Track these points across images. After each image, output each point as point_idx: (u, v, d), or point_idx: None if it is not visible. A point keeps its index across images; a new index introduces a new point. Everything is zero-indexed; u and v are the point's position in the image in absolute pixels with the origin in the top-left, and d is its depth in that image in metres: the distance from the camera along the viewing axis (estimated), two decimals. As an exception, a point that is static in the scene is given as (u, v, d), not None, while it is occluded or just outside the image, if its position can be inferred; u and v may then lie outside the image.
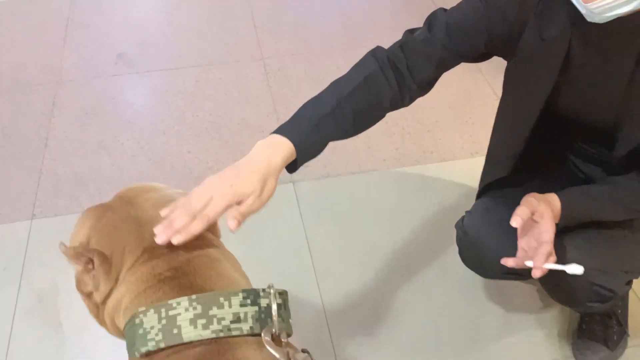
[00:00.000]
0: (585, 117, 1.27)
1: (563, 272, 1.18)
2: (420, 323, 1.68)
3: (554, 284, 1.39)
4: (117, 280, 0.91)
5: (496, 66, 2.00)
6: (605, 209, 1.28)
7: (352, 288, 1.76)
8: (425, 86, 1.29)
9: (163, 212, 0.96)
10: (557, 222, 1.22)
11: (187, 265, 0.90)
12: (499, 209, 1.40)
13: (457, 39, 1.23)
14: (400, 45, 1.26)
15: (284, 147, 1.10)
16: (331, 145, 1.20)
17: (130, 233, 0.93)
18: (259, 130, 2.27)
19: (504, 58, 1.31)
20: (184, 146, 2.21)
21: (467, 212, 1.52)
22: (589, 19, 1.06)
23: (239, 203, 1.02)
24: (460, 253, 1.55)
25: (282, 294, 0.93)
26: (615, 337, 1.57)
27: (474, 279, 1.75)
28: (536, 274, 1.17)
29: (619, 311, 1.59)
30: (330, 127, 1.17)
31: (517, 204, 1.21)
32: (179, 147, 2.21)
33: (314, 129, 1.14)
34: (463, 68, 2.47)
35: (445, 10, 1.28)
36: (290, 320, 0.94)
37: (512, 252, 1.39)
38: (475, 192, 1.59)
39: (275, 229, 1.91)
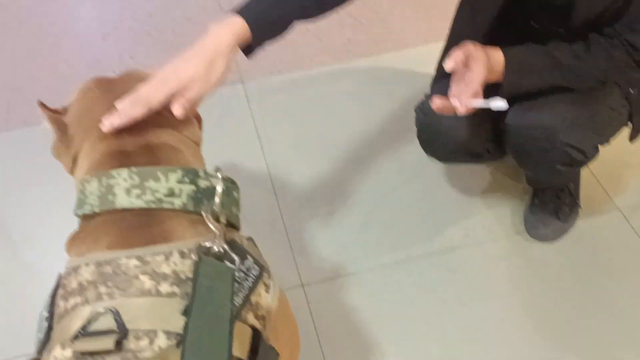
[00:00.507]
0: None
1: (538, 130, 1.19)
2: (377, 208, 1.67)
3: (528, 148, 1.37)
4: (76, 154, 0.96)
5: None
6: (555, 65, 1.24)
7: (307, 183, 1.74)
8: None
9: (117, 104, 0.95)
10: (501, 77, 1.21)
11: (141, 147, 0.93)
12: None
13: None
14: None
15: (236, 26, 1.03)
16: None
17: (100, 114, 0.95)
18: (205, 29, 2.17)
19: None
20: (126, 51, 2.11)
21: (425, 94, 1.49)
22: None
23: (186, 88, 0.98)
24: (419, 136, 1.52)
25: (230, 182, 0.92)
26: (567, 209, 1.59)
27: (431, 166, 1.74)
28: (461, 110, 1.16)
29: (572, 185, 1.60)
30: (289, 4, 1.10)
31: None
32: (120, 53, 2.11)
33: (271, 6, 1.07)
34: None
35: None
36: (239, 215, 0.93)
37: (467, 132, 1.39)
38: (431, 78, 1.55)
39: (227, 130, 1.86)
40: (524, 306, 1.48)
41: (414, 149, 1.53)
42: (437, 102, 1.18)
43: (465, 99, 1.15)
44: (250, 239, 0.92)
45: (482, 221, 1.65)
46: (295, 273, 1.56)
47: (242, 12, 1.05)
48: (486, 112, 1.24)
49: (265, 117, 1.90)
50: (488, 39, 1.27)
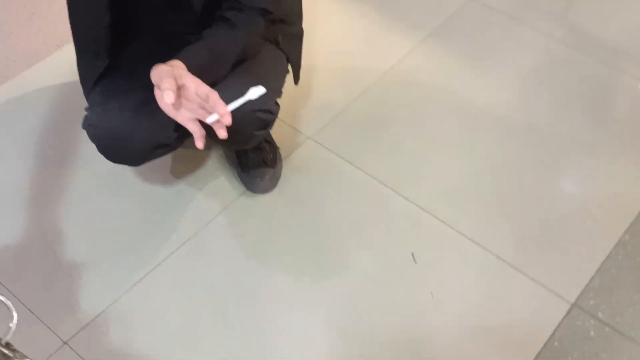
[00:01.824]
0: None
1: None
2: (101, 236, 1.61)
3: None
4: None
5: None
6: (219, 56, 1.33)
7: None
8: None
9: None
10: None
11: None
12: (118, 93, 1.40)
13: None
14: None
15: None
16: None
17: None
18: None
19: None
20: None
21: (87, 108, 1.44)
22: None
23: None
24: (100, 150, 1.46)
25: None
26: (272, 156, 1.71)
27: (124, 172, 1.73)
28: (227, 120, 1.13)
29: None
30: None
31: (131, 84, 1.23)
32: None
33: None
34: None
35: None
36: None
37: (149, 125, 1.39)
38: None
39: None
40: (277, 259, 1.59)
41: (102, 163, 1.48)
42: (197, 135, 1.18)
43: (222, 109, 1.12)
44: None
45: (205, 199, 1.70)
46: (52, 334, 1.44)
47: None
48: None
49: None
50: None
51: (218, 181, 1.73)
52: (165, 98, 1.10)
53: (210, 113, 1.16)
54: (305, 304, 1.50)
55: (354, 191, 1.71)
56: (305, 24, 1.60)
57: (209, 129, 1.21)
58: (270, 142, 1.74)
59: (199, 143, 1.19)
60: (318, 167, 1.76)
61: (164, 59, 1.21)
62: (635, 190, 1.70)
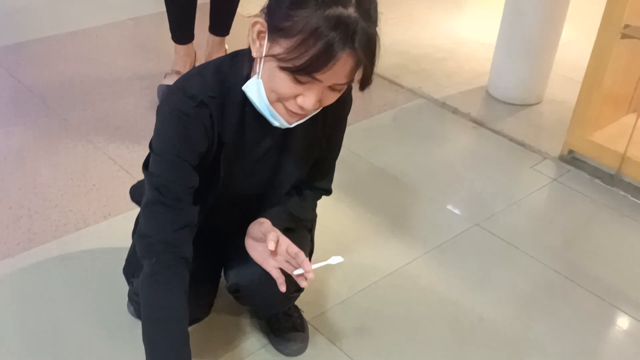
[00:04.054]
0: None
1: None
2: None
3: (259, 298, 1.66)
4: None
5: (106, 134, 2.14)
6: (296, 217, 1.64)
7: None
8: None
9: None
10: None
11: None
12: None
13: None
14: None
15: None
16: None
17: None
18: None
19: None
20: None
21: (135, 278, 1.61)
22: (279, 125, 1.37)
23: None
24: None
25: None
26: (300, 321, 1.86)
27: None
28: (309, 276, 1.41)
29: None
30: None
31: None
32: None
33: None
34: (71, 139, 2.56)
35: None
36: None
37: (195, 304, 1.53)
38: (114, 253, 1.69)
39: None
40: None
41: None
42: (284, 285, 1.49)
43: (308, 266, 1.41)
44: None
45: (232, 340, 1.82)
46: None
47: None
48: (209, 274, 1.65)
49: None
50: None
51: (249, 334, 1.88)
52: (269, 245, 1.42)
53: (294, 267, 1.45)
54: None
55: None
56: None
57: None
58: (297, 308, 1.89)
59: (282, 287, 1.49)
60: (309, 348, 1.85)
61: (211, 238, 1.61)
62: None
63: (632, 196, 2.58)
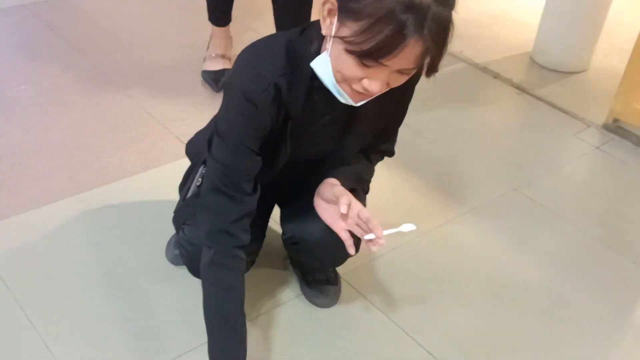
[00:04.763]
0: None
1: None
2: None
3: (321, 249, 1.63)
4: None
5: (145, 90, 2.15)
6: (362, 178, 1.68)
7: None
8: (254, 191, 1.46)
9: None
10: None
11: None
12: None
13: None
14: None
15: None
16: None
17: None
18: None
19: None
20: None
21: (185, 225, 1.62)
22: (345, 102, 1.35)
23: None
24: (191, 268, 1.65)
25: None
26: (333, 275, 1.89)
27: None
28: (380, 242, 1.43)
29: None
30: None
31: None
32: None
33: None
34: (110, 93, 2.59)
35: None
36: None
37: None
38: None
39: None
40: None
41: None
42: (352, 247, 1.52)
43: (379, 232, 1.42)
44: None
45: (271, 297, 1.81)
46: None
47: None
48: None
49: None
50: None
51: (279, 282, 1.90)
52: (341, 209, 1.43)
53: (364, 231, 1.46)
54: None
55: (368, 328, 1.80)
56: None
57: None
58: None
59: (352, 250, 1.52)
60: (340, 301, 1.86)
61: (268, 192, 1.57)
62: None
63: (676, 166, 2.52)
